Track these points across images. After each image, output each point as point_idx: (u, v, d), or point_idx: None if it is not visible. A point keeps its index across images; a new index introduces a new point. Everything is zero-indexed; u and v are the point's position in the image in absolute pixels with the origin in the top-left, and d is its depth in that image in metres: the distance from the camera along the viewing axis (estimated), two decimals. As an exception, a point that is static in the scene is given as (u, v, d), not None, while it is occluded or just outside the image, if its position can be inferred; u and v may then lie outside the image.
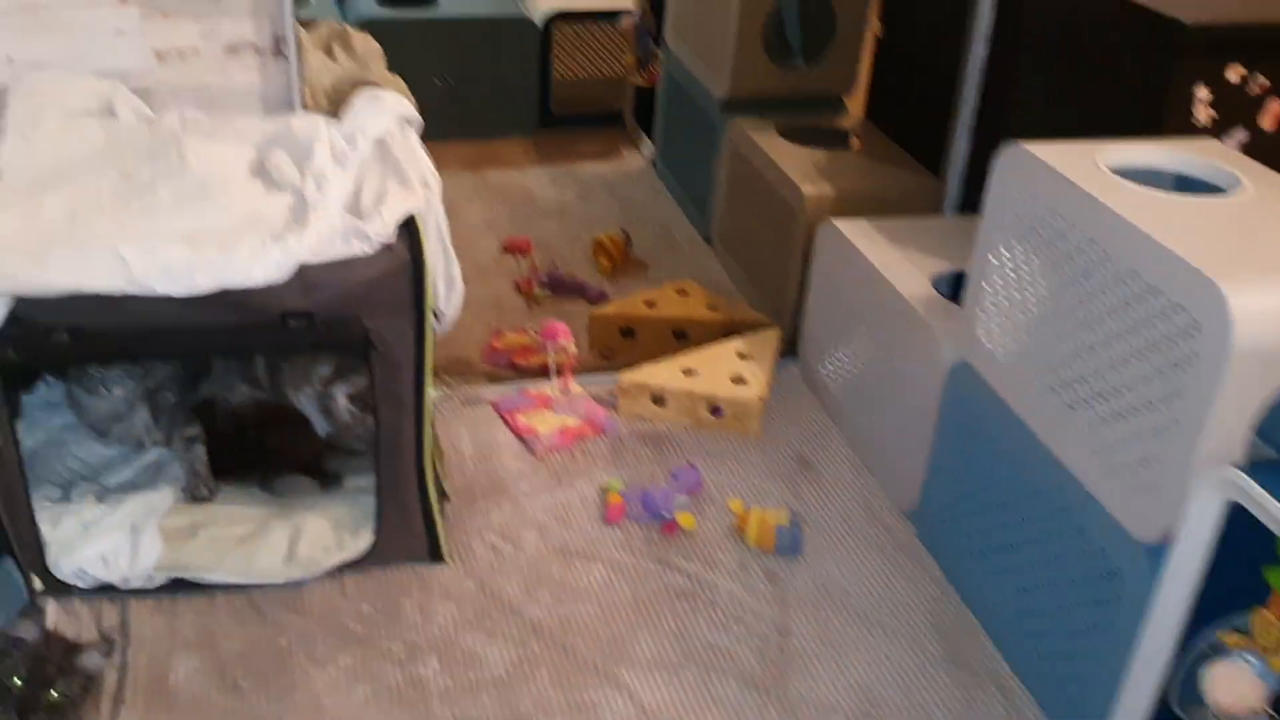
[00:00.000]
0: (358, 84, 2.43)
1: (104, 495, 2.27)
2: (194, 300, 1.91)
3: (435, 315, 2.45)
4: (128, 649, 2.06)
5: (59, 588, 2.12)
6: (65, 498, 2.25)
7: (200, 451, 2.39)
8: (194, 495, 2.32)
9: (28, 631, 1.70)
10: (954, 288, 2.53)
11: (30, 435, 2.46)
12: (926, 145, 3.23)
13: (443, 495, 2.39)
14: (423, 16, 4.25)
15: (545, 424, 2.73)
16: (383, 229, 1.98)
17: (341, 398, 2.44)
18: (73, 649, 1.77)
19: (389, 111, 2.32)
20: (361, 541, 2.25)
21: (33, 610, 1.73)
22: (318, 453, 2.46)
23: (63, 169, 2.13)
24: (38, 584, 2.07)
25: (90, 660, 1.78)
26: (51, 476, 2.36)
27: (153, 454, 2.44)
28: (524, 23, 4.33)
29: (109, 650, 1.82)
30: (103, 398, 2.39)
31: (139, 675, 2.02)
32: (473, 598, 2.25)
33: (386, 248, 2.00)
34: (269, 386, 2.51)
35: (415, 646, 2.13)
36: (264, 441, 2.41)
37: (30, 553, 2.04)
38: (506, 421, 2.76)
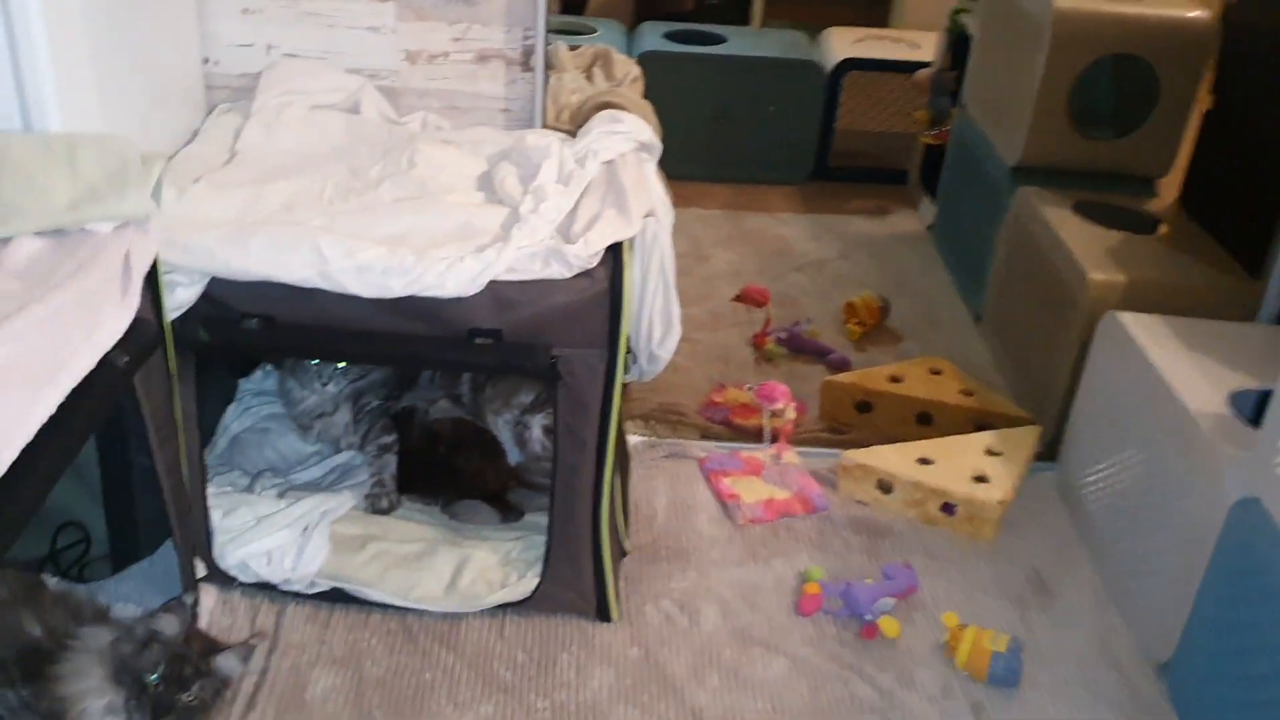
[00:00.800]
0: (603, 105, 2.31)
1: (285, 491, 2.23)
2: (385, 304, 1.82)
3: (634, 353, 2.29)
4: (273, 653, 2.00)
5: (221, 578, 2.08)
6: (249, 488, 2.23)
7: (391, 462, 2.32)
8: (374, 505, 2.25)
9: (169, 626, 1.64)
10: (1256, 410, 2.11)
11: (238, 420, 2.48)
12: (1248, 240, 2.78)
13: (621, 550, 2.21)
14: (708, 52, 4.14)
15: (752, 492, 2.50)
16: (584, 254, 1.83)
17: (537, 428, 2.32)
18: (211, 650, 1.70)
19: (626, 135, 2.18)
20: (527, 584, 2.09)
21: (176, 605, 1.67)
22: (505, 482, 2.34)
23: (295, 159, 2.12)
24: (200, 570, 2.04)
25: (227, 664, 1.71)
26: (245, 464, 2.36)
27: (344, 456, 2.39)
28: (812, 67, 4.15)
29: (247, 656, 1.74)
30: (313, 392, 2.37)
31: (278, 682, 1.94)
32: (634, 667, 2.05)
33: (586, 274, 1.85)
34: (470, 405, 2.42)
35: (562, 708, 1.95)
36: (453, 461, 2.32)
37: (197, 538, 2.01)
38: (710, 482, 2.55)
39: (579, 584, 2.09)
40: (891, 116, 4.27)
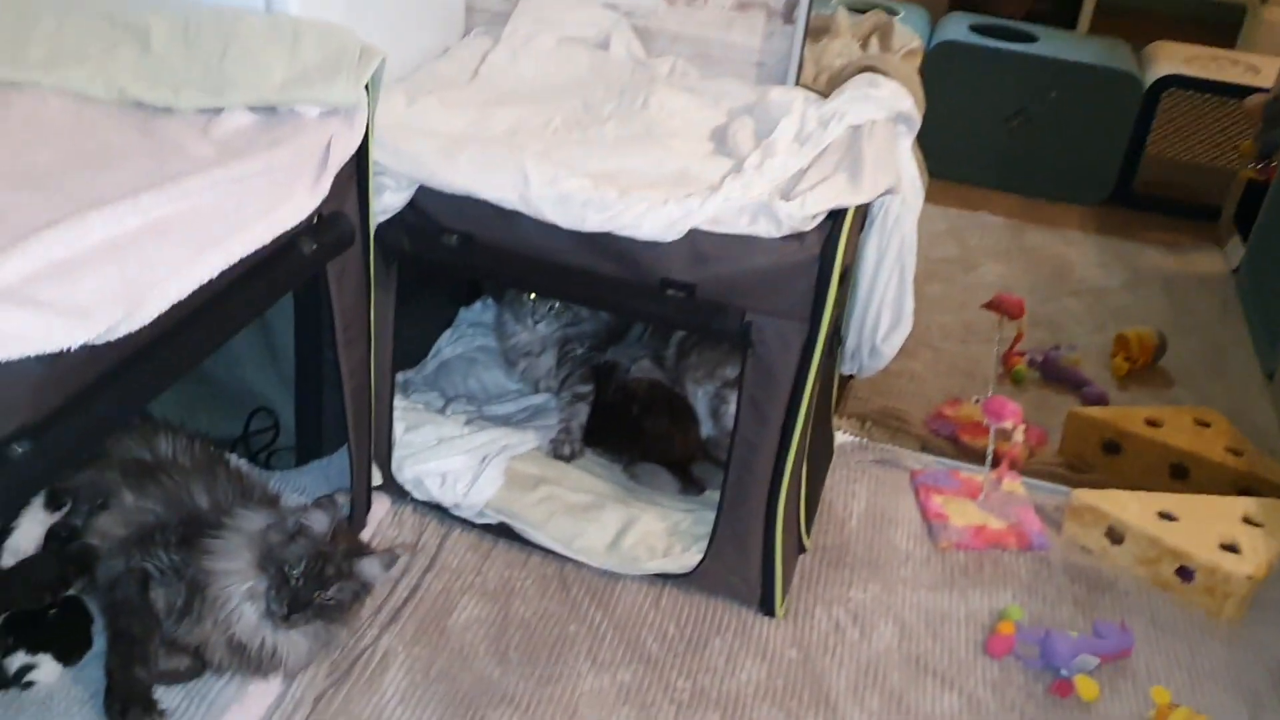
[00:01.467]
0: (864, 69, 2.15)
1: (474, 420, 2.22)
2: (582, 239, 1.76)
3: (844, 341, 2.13)
4: (428, 572, 1.99)
5: (395, 490, 2.09)
6: (441, 410, 2.23)
7: (582, 411, 2.26)
8: (556, 450, 2.20)
9: (317, 523, 1.64)
10: None
11: (451, 346, 2.50)
12: None
13: (799, 545, 2.05)
14: (1013, 49, 3.84)
15: (962, 515, 2.28)
16: (799, 214, 1.69)
17: (734, 404, 2.19)
18: (355, 553, 1.69)
19: (881, 101, 2.01)
20: (690, 558, 1.98)
21: (328, 503, 1.67)
22: (691, 453, 2.23)
23: (531, 88, 2.09)
24: (377, 477, 2.05)
25: (370, 569, 1.69)
26: (446, 388, 2.37)
27: (539, 398, 2.36)
28: (1129, 79, 3.77)
29: (390, 564, 1.72)
30: (525, 329, 2.35)
31: (426, 601, 1.93)
32: (789, 670, 1.90)
33: (796, 237, 1.71)
34: (671, 370, 2.33)
35: (703, 694, 1.83)
36: (643, 422, 2.23)
37: (377, 447, 2.02)
38: (919, 497, 2.34)
39: (744, 569, 1.95)
40: (1211, 145, 3.82)
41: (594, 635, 1.91)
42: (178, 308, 1.29)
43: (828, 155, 1.88)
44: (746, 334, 1.76)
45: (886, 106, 2.02)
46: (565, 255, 1.79)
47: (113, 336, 1.16)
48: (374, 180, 1.77)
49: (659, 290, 1.76)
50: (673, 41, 2.26)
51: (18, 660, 1.62)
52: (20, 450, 1.09)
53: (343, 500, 1.70)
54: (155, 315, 1.22)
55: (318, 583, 1.64)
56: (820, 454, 2.23)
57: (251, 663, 1.64)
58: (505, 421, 2.26)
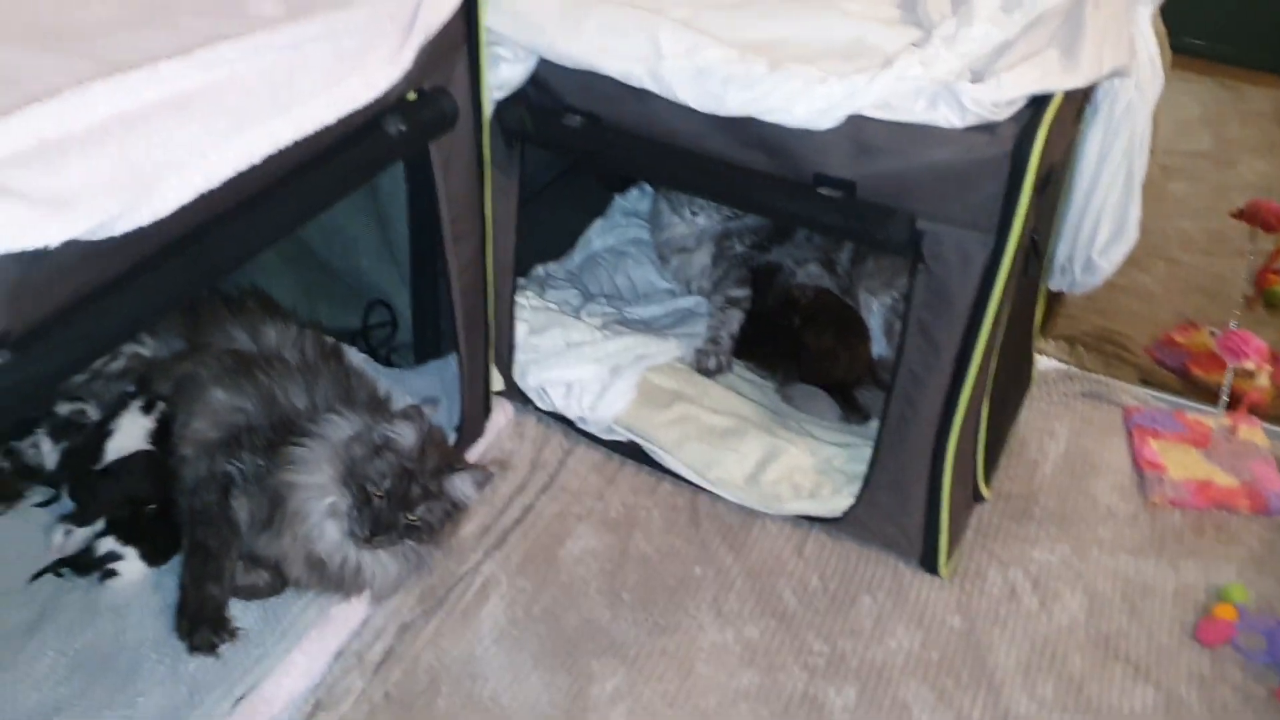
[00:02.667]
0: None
1: (611, 323, 1.99)
2: (721, 125, 1.47)
3: (1055, 257, 1.77)
4: (544, 492, 1.80)
5: (519, 398, 1.90)
6: (578, 311, 2.00)
7: (735, 319, 2.00)
8: (700, 363, 1.95)
9: (403, 435, 1.46)
10: None
11: (601, 237, 2.27)
12: None
13: (975, 493, 1.75)
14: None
15: (1183, 466, 1.90)
16: (989, 98, 1.34)
17: (913, 320, 1.88)
18: (445, 468, 1.51)
19: (1116, -38, 1.61)
20: (840, 501, 1.71)
21: (414, 413, 1.48)
22: (858, 374, 1.94)
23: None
24: (497, 383, 1.86)
25: (461, 486, 1.50)
26: (590, 284, 2.15)
27: (690, 301, 2.11)
28: None
29: (484, 482, 1.53)
30: (682, 220, 2.09)
31: (537, 527, 1.74)
32: (948, 639, 1.62)
33: (986, 128, 1.37)
34: (845, 276, 2.02)
35: (841, 661, 1.58)
36: (804, 336, 1.94)
37: (497, 350, 1.83)
38: (1132, 441, 1.97)
39: (903, 519, 1.67)
40: None
41: (722, 581, 1.69)
42: (221, 198, 1.10)
43: (1041, 25, 1.51)
44: (917, 245, 1.44)
45: (1123, -32, 1.62)
46: (703, 142, 1.51)
47: (114, 231, 0.98)
48: (488, 51, 1.52)
49: (810, 189, 1.46)
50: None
51: (106, 545, 1.54)
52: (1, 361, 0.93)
53: (431, 411, 1.51)
54: (173, 208, 1.03)
55: (402, 503, 1.46)
56: (1010, 387, 1.90)
57: (333, 582, 1.50)
58: (646, 326, 2.02)
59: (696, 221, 2.08)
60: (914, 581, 1.71)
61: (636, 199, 2.35)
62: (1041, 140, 1.34)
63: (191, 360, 1.66)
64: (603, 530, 1.75)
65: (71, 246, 0.95)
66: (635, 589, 1.66)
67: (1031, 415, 2.01)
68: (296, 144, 1.17)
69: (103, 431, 1.64)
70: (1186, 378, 2.14)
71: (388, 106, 1.34)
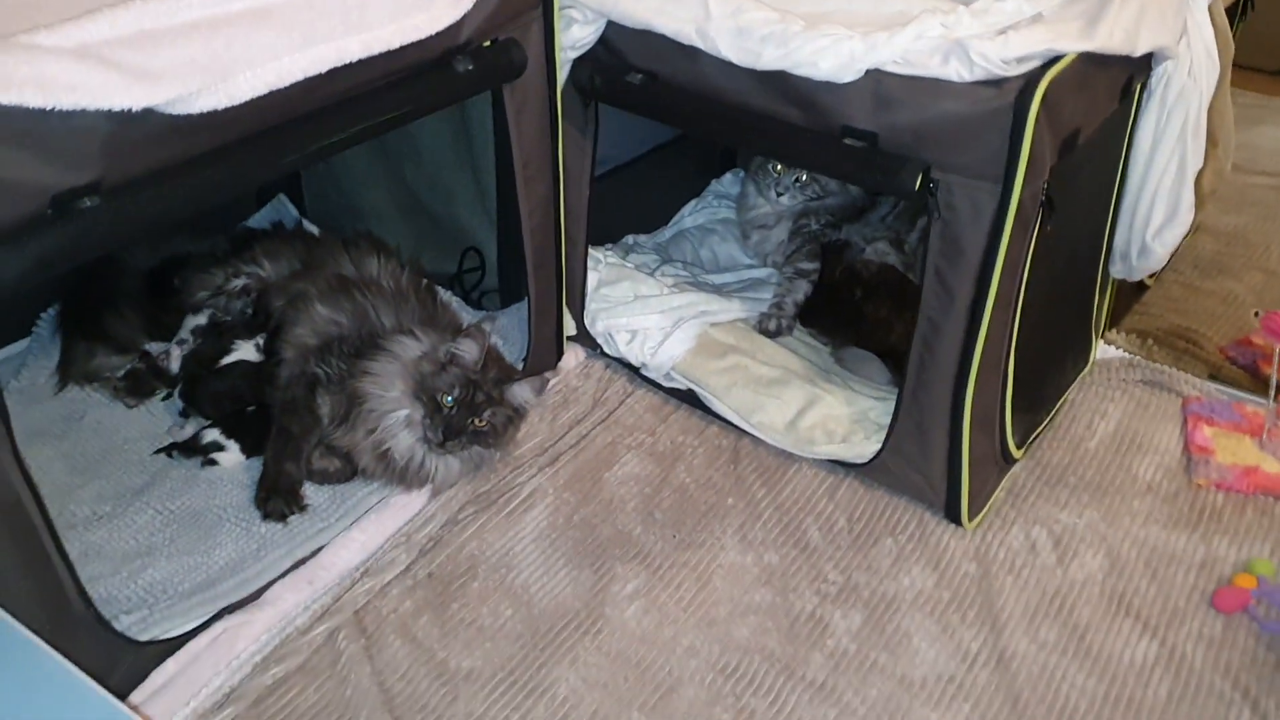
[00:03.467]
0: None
1: (680, 284, 2.14)
2: (763, 80, 1.63)
3: (1052, 205, 1.84)
4: (601, 424, 1.96)
5: (588, 343, 2.07)
6: (652, 272, 2.17)
7: (801, 289, 2.13)
8: (763, 324, 2.09)
9: (468, 351, 1.66)
10: None
11: (692, 215, 2.44)
12: None
13: (1003, 453, 1.81)
14: None
15: (1233, 453, 1.91)
16: (994, 55, 1.45)
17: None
18: (505, 379, 1.70)
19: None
20: (869, 447, 1.82)
21: (476, 331, 1.68)
22: (910, 341, 2.02)
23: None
24: (570, 327, 2.04)
25: (521, 393, 1.70)
26: (675, 254, 2.31)
27: (761, 272, 2.25)
28: None
29: (540, 388, 1.72)
30: (767, 201, 2.24)
31: (588, 452, 1.90)
32: (961, 582, 1.70)
33: (993, 83, 1.47)
34: (911, 254, 2.12)
35: (854, 590, 1.68)
36: (864, 308, 2.05)
37: (570, 296, 2.01)
38: (1186, 427, 1.99)
39: (925, 466, 1.76)
40: None
41: (751, 512, 1.81)
42: (298, 102, 1.33)
43: (1077, 4, 1.61)
44: (929, 193, 1.55)
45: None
46: (747, 97, 1.66)
47: (191, 109, 1.21)
48: (561, 13, 1.72)
49: (837, 139, 1.59)
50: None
51: (210, 435, 1.79)
52: (88, 204, 1.17)
53: (489, 328, 1.70)
54: (247, 96, 1.25)
55: (470, 410, 1.67)
56: (1055, 356, 1.95)
57: (399, 476, 1.71)
58: (716, 290, 2.16)
59: (782, 201, 2.22)
60: (937, 529, 1.79)
61: (730, 183, 2.51)
62: (1041, 91, 1.43)
63: (303, 280, 1.90)
64: (648, 460, 1.90)
65: (156, 117, 1.18)
66: (669, 511, 1.80)
67: (1086, 395, 2.06)
68: (369, 65, 1.39)
69: (221, 346, 1.90)
70: (1255, 375, 2.14)
71: (458, 47, 1.55)
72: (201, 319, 1.96)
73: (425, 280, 1.98)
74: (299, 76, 1.30)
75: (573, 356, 2.06)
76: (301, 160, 1.42)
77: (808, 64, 1.55)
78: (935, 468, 1.75)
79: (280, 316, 1.88)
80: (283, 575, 1.58)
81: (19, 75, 1.07)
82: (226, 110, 1.24)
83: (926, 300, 1.64)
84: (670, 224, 2.43)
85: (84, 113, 1.12)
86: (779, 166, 2.19)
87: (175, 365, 1.91)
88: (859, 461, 1.82)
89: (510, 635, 1.58)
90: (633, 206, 2.34)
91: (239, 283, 1.95)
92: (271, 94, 1.28)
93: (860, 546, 1.76)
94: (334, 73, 1.35)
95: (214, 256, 2.00)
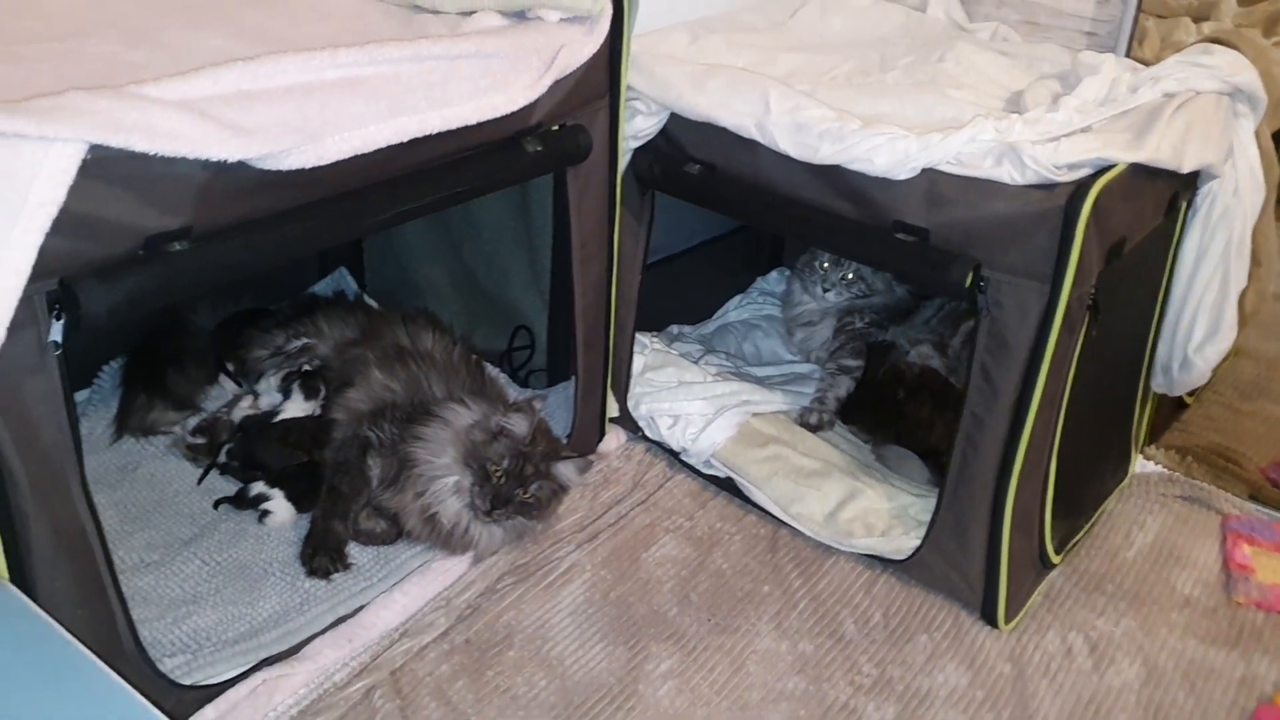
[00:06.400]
0: (1212, 40, 1.88)
1: (724, 374, 2.18)
2: (816, 174, 1.69)
3: (1099, 309, 1.87)
4: (640, 505, 1.98)
5: (629, 425, 2.10)
6: (695, 361, 2.21)
7: (844, 385, 2.16)
8: (804, 418, 2.12)
9: (518, 425, 1.70)
10: None
11: (737, 310, 2.50)
12: None
13: (1041, 557, 1.81)
14: None
15: (1273, 573, 1.91)
16: (1045, 160, 1.51)
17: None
18: (553, 455, 1.73)
19: (1211, 71, 1.76)
20: (908, 543, 1.82)
21: (526, 406, 1.72)
22: (952, 444, 2.04)
23: (833, 41, 2.06)
24: (613, 408, 2.08)
25: (566, 471, 1.74)
26: (718, 346, 2.36)
27: (804, 368, 2.28)
28: None
29: (585, 469, 1.76)
30: (813, 298, 2.29)
31: (626, 532, 1.92)
32: (995, 683, 1.69)
33: (1045, 186, 1.52)
34: (955, 358, 2.15)
35: (888, 684, 1.67)
36: (906, 408, 2.08)
37: (616, 378, 2.05)
38: (1226, 544, 1.98)
39: (964, 564, 1.76)
40: None
41: (787, 601, 1.81)
42: (376, 169, 1.39)
43: (1123, 118, 1.67)
44: (980, 291, 1.59)
45: (1218, 77, 1.77)
46: (801, 189, 1.72)
47: (282, 165, 1.27)
48: (627, 105, 1.80)
49: (889, 233, 1.64)
50: (998, 6, 2.11)
51: (257, 487, 1.82)
52: (179, 248, 1.23)
53: (540, 406, 1.74)
54: (334, 158, 1.31)
55: (518, 481, 1.70)
56: (1095, 465, 1.97)
57: (443, 540, 1.73)
58: (759, 382, 2.20)
59: (828, 298, 2.26)
60: (972, 629, 1.78)
61: (775, 281, 2.57)
62: (1093, 197, 1.48)
63: (362, 346, 1.96)
64: (685, 544, 1.91)
65: (248, 171, 1.25)
66: (705, 594, 1.81)
67: (1124, 507, 2.06)
68: (446, 139, 1.46)
69: (272, 411, 1.96)
70: (1299, 499, 2.14)
71: (529, 130, 1.62)
72: (274, 385, 2.00)
73: (475, 356, 2.03)
74: (382, 144, 1.37)
75: (614, 438, 2.09)
76: (378, 224, 1.49)
77: (863, 160, 1.61)
78: (974, 566, 1.76)
79: (337, 379, 1.93)
80: (323, 631, 1.60)
81: (128, 120, 1.14)
82: (313, 170, 1.30)
83: (971, 396, 1.67)
84: (714, 317, 2.48)
85: (183, 160, 1.18)
86: (825, 263, 2.24)
87: (238, 416, 1.96)
88: (898, 557, 1.83)
89: (544, 706, 1.58)
90: (678, 297, 2.39)
91: (298, 344, 2.01)
92: (356, 158, 1.34)
93: (895, 641, 1.76)
94: (414, 143, 1.41)
95: (275, 318, 2.06)
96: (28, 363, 1.15)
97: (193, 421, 1.99)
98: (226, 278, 1.30)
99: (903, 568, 1.84)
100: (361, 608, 1.66)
